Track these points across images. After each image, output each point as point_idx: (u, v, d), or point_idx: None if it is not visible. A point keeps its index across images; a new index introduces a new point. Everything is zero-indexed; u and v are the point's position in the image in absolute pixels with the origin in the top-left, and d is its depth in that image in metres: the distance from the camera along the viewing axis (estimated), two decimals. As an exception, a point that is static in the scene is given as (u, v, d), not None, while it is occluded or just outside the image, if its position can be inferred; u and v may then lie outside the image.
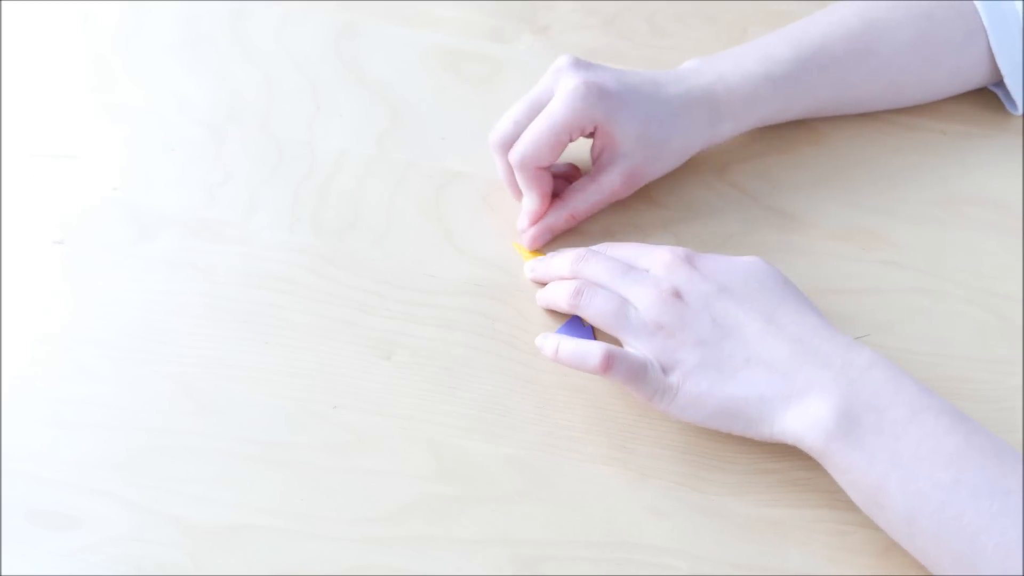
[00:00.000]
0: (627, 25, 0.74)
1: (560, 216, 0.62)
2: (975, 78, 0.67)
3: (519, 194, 0.63)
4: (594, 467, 0.54)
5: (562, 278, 0.58)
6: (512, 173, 0.62)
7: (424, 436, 0.55)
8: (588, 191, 0.62)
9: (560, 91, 0.59)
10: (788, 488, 0.53)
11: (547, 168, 0.60)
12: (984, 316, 0.60)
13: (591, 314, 0.55)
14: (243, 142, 0.67)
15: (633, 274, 0.55)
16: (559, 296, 0.56)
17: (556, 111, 0.58)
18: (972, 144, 0.68)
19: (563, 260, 0.58)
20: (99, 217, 0.63)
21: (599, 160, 0.62)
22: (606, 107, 0.59)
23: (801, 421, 0.49)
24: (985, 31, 0.65)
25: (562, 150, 0.60)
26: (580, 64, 0.60)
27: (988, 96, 0.70)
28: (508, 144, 0.60)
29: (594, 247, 0.59)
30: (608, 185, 0.62)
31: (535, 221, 0.62)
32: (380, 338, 0.58)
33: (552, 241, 0.63)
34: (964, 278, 0.62)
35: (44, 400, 0.56)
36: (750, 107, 0.63)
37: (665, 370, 0.52)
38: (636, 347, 0.53)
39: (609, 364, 0.51)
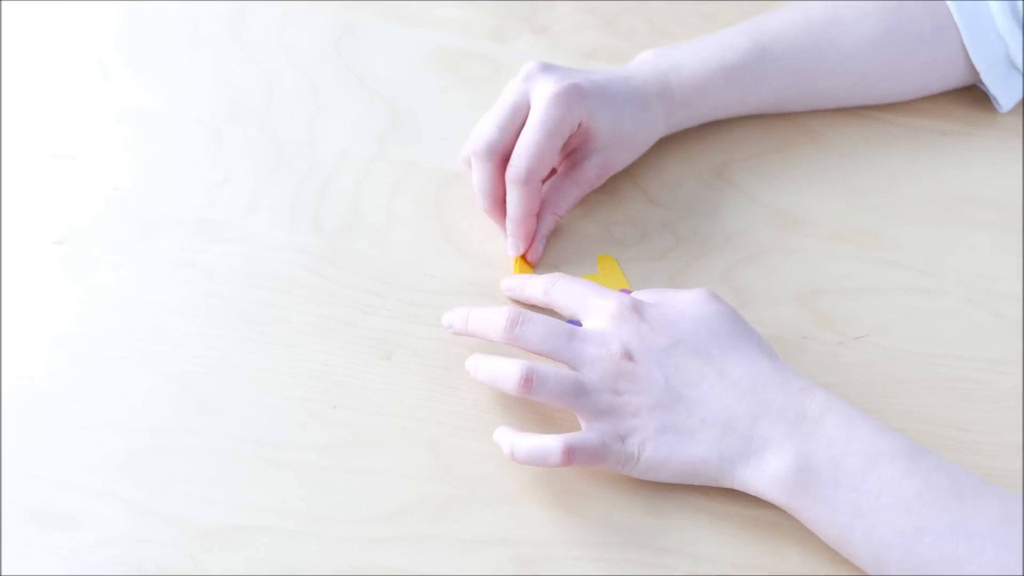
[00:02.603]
0: (627, 25, 0.74)
1: (549, 221, 0.61)
2: (954, 73, 0.67)
3: (497, 207, 0.61)
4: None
5: (494, 340, 0.54)
6: (496, 183, 0.60)
7: (424, 436, 0.55)
8: (567, 189, 0.62)
9: (543, 97, 0.58)
10: (788, 488, 0.53)
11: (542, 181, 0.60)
12: (983, 316, 0.60)
13: (545, 398, 0.51)
14: (243, 142, 0.67)
15: (579, 336, 0.52)
16: (504, 381, 0.52)
17: (548, 117, 0.58)
18: (972, 144, 0.68)
19: (495, 320, 0.53)
20: (99, 217, 0.63)
21: (573, 156, 0.62)
22: (587, 106, 0.59)
23: (761, 478, 0.49)
24: (957, 27, 0.65)
25: (556, 156, 0.60)
26: (550, 68, 0.60)
27: (987, 96, 0.69)
28: (496, 151, 0.59)
29: (537, 284, 0.56)
30: (585, 180, 0.62)
31: (530, 240, 0.61)
32: (380, 338, 0.58)
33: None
34: (964, 278, 0.62)
35: (44, 400, 0.56)
36: (703, 96, 0.64)
37: (622, 437, 0.51)
38: (590, 421, 0.51)
39: (570, 459, 0.50)
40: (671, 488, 0.53)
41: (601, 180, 0.63)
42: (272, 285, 0.60)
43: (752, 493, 0.51)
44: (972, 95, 0.70)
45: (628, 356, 0.51)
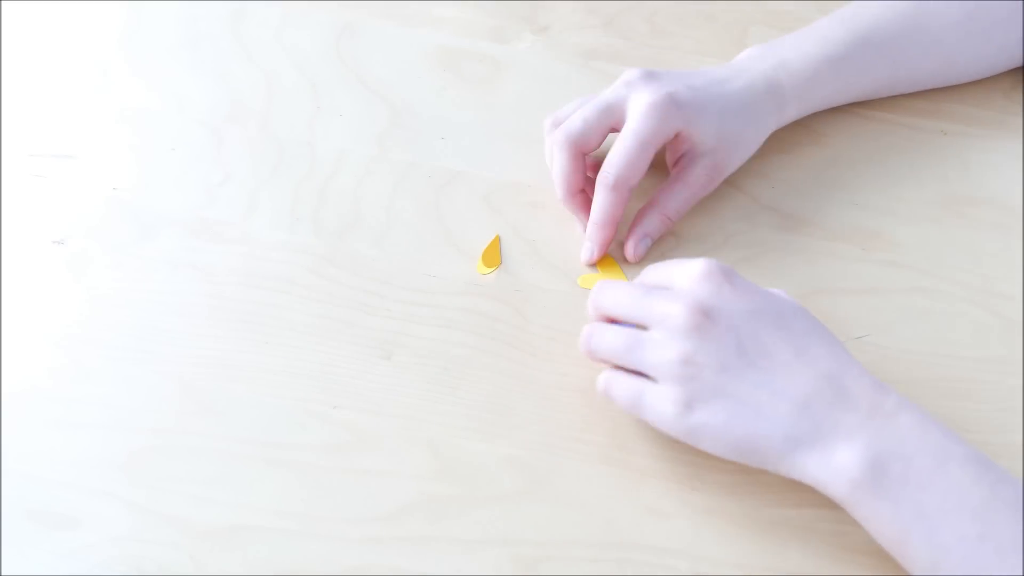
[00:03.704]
0: (627, 25, 0.75)
1: (655, 221, 0.62)
2: (1020, 54, 0.69)
3: (570, 197, 0.62)
4: (594, 467, 0.54)
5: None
6: (570, 173, 0.61)
7: (424, 436, 0.55)
8: (677, 191, 0.62)
9: (638, 106, 0.59)
10: (788, 488, 0.53)
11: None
12: (984, 316, 0.60)
13: (602, 356, 0.53)
14: (243, 142, 0.67)
15: (654, 293, 0.52)
16: (580, 344, 0.55)
17: (642, 127, 0.59)
18: (972, 144, 0.68)
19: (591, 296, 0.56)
20: (99, 217, 0.63)
21: (681, 161, 0.63)
22: (684, 115, 0.60)
23: (825, 467, 0.48)
24: None
25: (648, 166, 0.60)
26: (650, 76, 0.61)
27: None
28: (573, 142, 0.60)
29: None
30: (696, 182, 0.62)
31: (605, 248, 0.61)
32: (380, 338, 0.58)
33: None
34: (964, 278, 0.62)
35: (44, 400, 0.56)
36: (812, 89, 0.65)
37: (685, 402, 0.50)
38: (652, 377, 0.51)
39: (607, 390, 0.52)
40: (671, 488, 0.53)
41: (714, 182, 0.63)
42: (272, 285, 0.60)
43: (807, 481, 0.49)
44: (973, 95, 0.70)
45: (704, 312, 0.50)
